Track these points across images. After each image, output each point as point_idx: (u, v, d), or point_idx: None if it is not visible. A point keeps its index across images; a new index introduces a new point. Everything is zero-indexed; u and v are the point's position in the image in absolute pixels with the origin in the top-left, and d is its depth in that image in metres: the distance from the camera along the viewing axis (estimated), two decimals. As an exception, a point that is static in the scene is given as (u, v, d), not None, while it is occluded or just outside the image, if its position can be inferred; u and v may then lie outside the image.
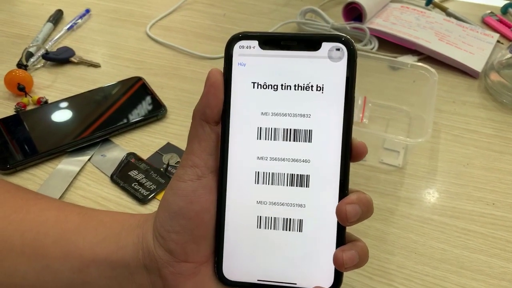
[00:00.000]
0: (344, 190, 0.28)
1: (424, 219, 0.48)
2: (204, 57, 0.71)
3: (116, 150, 0.54)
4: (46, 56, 0.67)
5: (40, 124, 0.56)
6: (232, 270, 0.29)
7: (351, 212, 0.26)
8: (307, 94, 0.28)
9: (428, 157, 0.55)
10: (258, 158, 0.28)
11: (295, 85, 0.28)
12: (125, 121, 0.56)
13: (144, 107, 0.59)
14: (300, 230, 0.28)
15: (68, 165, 0.52)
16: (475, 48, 0.71)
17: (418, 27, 0.74)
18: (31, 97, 0.60)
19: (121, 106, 0.59)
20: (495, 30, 0.78)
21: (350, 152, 0.28)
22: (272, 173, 0.28)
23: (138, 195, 0.48)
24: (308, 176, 0.28)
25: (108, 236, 0.34)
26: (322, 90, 0.27)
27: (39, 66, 0.67)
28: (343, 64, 0.27)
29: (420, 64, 0.58)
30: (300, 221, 0.27)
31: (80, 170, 0.52)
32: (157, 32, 0.76)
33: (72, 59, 0.68)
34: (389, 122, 0.59)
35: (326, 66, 0.27)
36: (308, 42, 0.28)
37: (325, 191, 0.28)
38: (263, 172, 0.28)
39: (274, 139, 0.28)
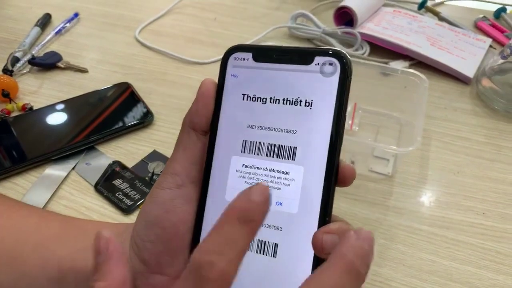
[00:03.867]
0: (325, 216, 0.25)
1: (413, 229, 0.47)
2: (193, 62, 0.70)
3: (101, 158, 0.53)
4: (32, 61, 0.66)
5: (24, 131, 0.55)
6: None
7: (328, 242, 0.23)
8: (295, 109, 0.26)
9: (418, 165, 0.54)
10: (238, 172, 0.27)
11: (283, 99, 0.27)
12: (111, 128, 0.55)
13: (131, 113, 0.58)
14: (274, 255, 0.26)
15: (52, 174, 0.51)
16: (467, 53, 0.71)
17: (410, 31, 0.74)
18: (16, 103, 0.59)
19: (107, 112, 0.58)
20: (487, 34, 0.77)
21: (335, 176, 0.26)
22: None
23: (122, 205, 0.47)
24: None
25: (88, 244, 0.33)
26: (311, 106, 0.26)
27: (25, 71, 0.66)
28: (334, 79, 0.26)
29: (410, 70, 0.57)
30: (275, 246, 0.26)
31: (64, 179, 0.51)
32: (146, 37, 0.75)
33: (59, 64, 0.67)
34: (379, 129, 0.58)
35: (317, 81, 0.26)
36: (300, 55, 0.27)
37: (305, 215, 0.26)
38: (243, 188, 0.27)
39: (258, 154, 0.27)
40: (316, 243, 0.23)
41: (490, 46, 0.74)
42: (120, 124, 0.56)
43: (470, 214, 0.48)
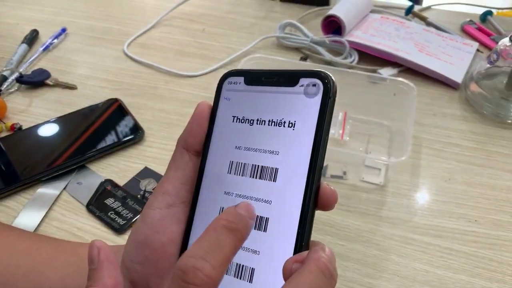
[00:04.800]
0: (301, 242, 0.24)
1: (406, 239, 0.47)
2: (182, 75, 0.70)
3: (92, 176, 0.53)
4: (20, 80, 0.66)
5: (13, 152, 0.54)
6: None
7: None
8: (279, 130, 0.27)
9: (409, 173, 0.54)
10: (225, 193, 0.27)
11: (269, 121, 0.27)
12: (101, 146, 0.55)
13: (121, 130, 0.58)
14: (250, 281, 0.25)
15: (43, 195, 0.51)
16: (454, 58, 0.71)
17: (397, 38, 0.74)
18: (5, 123, 0.59)
19: (97, 130, 0.58)
20: (474, 38, 0.78)
21: (315, 200, 0.25)
22: None
23: (115, 225, 0.47)
24: (267, 220, 0.25)
25: (80, 267, 0.33)
26: (294, 127, 0.26)
27: (13, 90, 0.66)
28: (317, 100, 0.26)
29: (399, 79, 0.57)
30: (252, 271, 0.25)
31: (55, 200, 0.50)
32: (135, 50, 0.75)
33: (48, 81, 0.66)
34: (370, 138, 0.58)
35: (300, 102, 0.26)
36: (286, 77, 0.27)
37: (282, 240, 0.25)
38: None
39: (242, 175, 0.27)
40: (285, 272, 0.22)
41: (477, 50, 0.74)
42: (111, 141, 0.56)
43: (463, 221, 0.49)
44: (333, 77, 0.26)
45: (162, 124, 0.61)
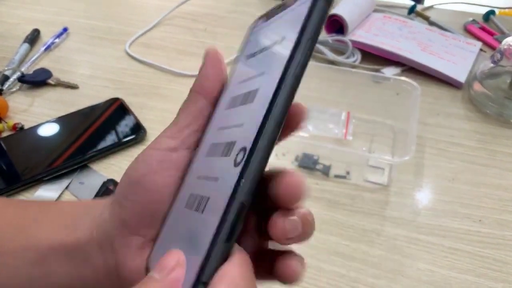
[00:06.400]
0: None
1: (410, 239, 0.47)
2: (185, 75, 0.69)
3: (95, 176, 0.53)
4: (22, 79, 0.65)
5: (15, 151, 0.54)
6: None
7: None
8: (267, 54, 0.24)
9: (413, 173, 0.54)
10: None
11: (263, 48, 0.25)
12: (103, 145, 0.55)
13: (123, 129, 0.57)
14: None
15: (45, 194, 0.51)
16: (458, 58, 0.71)
17: (400, 37, 0.74)
18: (6, 123, 0.59)
19: (99, 129, 0.57)
20: (477, 38, 0.78)
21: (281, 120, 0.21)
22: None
23: (117, 225, 0.47)
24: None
25: (66, 223, 0.32)
26: (281, 43, 0.23)
27: (14, 89, 0.65)
28: (305, 8, 0.21)
29: (402, 78, 0.57)
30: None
31: (58, 199, 0.50)
32: (137, 50, 0.75)
33: (49, 81, 0.66)
34: (373, 137, 0.58)
35: (292, 15, 0.22)
36: None
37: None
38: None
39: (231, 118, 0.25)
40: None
41: (481, 49, 0.74)
42: (113, 141, 0.56)
43: (467, 221, 0.48)
44: None
45: (164, 124, 0.59)
